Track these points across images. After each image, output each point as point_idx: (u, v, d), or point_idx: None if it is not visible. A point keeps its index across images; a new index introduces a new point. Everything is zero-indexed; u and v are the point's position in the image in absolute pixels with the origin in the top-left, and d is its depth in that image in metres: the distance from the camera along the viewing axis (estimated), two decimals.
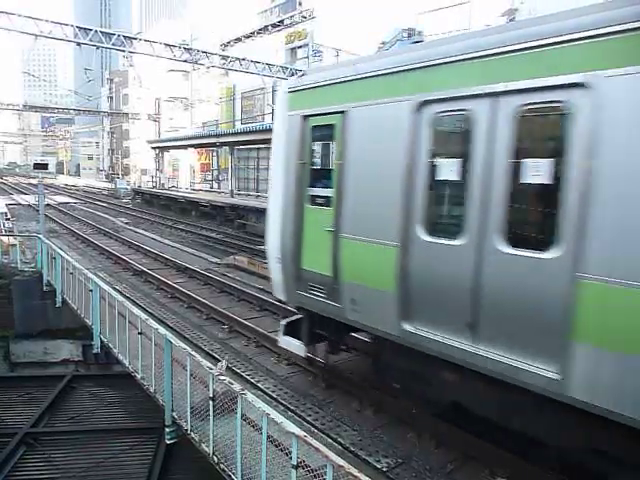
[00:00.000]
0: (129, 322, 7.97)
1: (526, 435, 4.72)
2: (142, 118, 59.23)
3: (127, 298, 9.79)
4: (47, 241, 14.05)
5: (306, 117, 6.22)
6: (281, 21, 38.84)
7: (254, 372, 7.69)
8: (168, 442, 6.58)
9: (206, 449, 5.55)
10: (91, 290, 9.60)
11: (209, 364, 5.61)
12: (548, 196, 4.09)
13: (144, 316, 7.38)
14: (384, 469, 5.19)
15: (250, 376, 7.51)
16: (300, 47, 45.90)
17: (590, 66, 3.67)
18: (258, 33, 37.14)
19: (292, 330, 6.85)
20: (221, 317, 10.22)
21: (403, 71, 5.08)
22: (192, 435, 5.89)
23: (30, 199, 37.59)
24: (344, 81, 5.76)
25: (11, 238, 16.05)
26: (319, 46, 42.07)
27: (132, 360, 7.87)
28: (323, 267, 5.99)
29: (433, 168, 4.85)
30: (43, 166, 20.12)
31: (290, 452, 4.12)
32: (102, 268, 15.07)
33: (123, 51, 27.86)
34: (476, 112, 4.45)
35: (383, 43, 39.45)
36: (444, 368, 5.05)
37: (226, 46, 38.37)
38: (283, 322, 7.12)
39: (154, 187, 48.33)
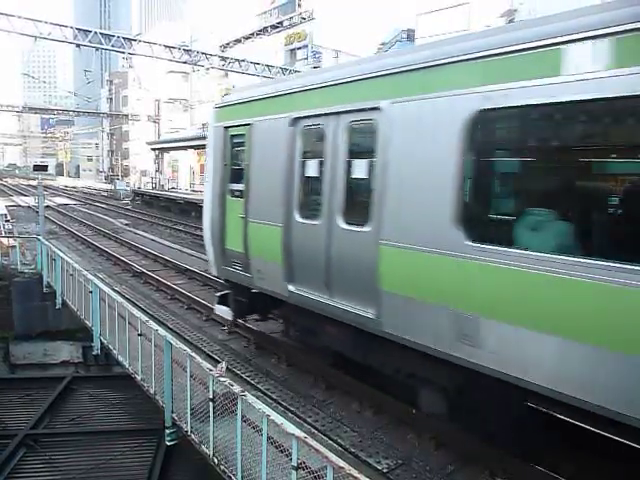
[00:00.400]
0: (129, 323, 7.97)
1: (374, 369, 6.21)
2: (142, 119, 59.22)
3: (127, 299, 9.80)
4: (47, 242, 14.06)
5: (227, 128, 7.84)
6: (280, 22, 38.89)
7: (254, 373, 7.68)
8: (168, 443, 6.59)
9: (206, 450, 5.54)
10: (91, 291, 9.60)
11: (209, 365, 5.62)
12: (365, 187, 5.62)
13: (144, 317, 7.39)
14: (384, 470, 5.19)
15: (250, 377, 7.51)
16: (299, 48, 45.97)
17: (382, 96, 5.30)
18: (257, 34, 37.18)
19: (224, 300, 8.54)
20: (221, 318, 10.20)
21: (284, 95, 6.84)
22: (192, 436, 5.88)
23: (30, 201, 37.59)
24: (250, 100, 7.54)
25: (11, 239, 16.04)
26: (318, 47, 42.14)
27: (132, 361, 7.86)
28: (239, 246, 7.52)
29: (303, 167, 6.45)
30: (43, 168, 20.14)
31: (290, 453, 4.12)
32: (102, 269, 15.07)
33: (123, 53, 27.92)
34: (326, 126, 6.07)
35: (383, 44, 39.52)
36: (323, 321, 6.45)
37: (225, 47, 38.41)
38: (217, 294, 8.95)
39: (154, 188, 48.35)
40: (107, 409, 10.63)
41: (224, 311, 8.53)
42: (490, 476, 5.08)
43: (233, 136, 7.78)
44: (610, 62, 3.69)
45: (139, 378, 7.54)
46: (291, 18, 39.73)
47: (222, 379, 5.24)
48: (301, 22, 39.71)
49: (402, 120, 5.13)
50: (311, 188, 6.45)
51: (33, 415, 10.29)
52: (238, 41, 37.91)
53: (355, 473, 3.63)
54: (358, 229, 5.63)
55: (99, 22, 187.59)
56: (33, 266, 14.50)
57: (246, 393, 4.90)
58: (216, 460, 5.35)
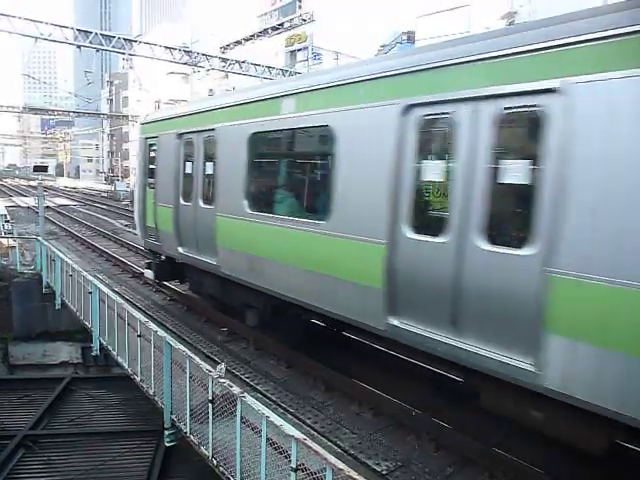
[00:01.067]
0: (128, 324, 7.96)
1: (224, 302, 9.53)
2: None
3: (126, 300, 9.79)
4: (46, 243, 14.06)
5: (146, 138, 11.14)
6: (281, 24, 38.88)
7: (253, 375, 7.68)
8: (167, 445, 6.58)
9: (205, 452, 5.54)
10: (90, 292, 9.59)
11: (208, 367, 5.61)
12: (211, 180, 8.45)
13: (143, 319, 7.38)
14: (383, 472, 5.19)
15: (249, 379, 7.51)
16: (300, 50, 46.06)
17: (217, 122, 8.33)
18: (258, 36, 37.15)
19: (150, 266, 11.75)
20: (221, 320, 10.20)
21: (174, 117, 10.22)
22: (191, 438, 5.88)
23: (30, 201, 37.59)
24: (158, 120, 10.99)
25: (11, 240, 16.04)
26: (319, 49, 42.16)
27: (131, 362, 7.85)
28: (153, 223, 10.61)
29: (184, 167, 9.38)
30: (43, 168, 20.21)
31: (289, 455, 4.12)
32: (101, 270, 15.06)
33: (123, 54, 27.92)
34: (194, 139, 9.06)
35: (383, 46, 39.57)
36: (205, 275, 9.21)
37: (226, 49, 38.38)
38: (146, 262, 12.32)
39: None
40: (106, 410, 10.63)
41: (150, 274, 11.59)
42: (490, 478, 5.08)
43: (150, 145, 10.97)
44: (298, 107, 6.55)
45: (138, 379, 7.53)
46: (291, 20, 39.76)
47: (221, 380, 5.24)
48: (301, 24, 39.74)
49: (224, 137, 8.11)
50: (188, 181, 9.29)
51: (32, 416, 10.28)
52: (238, 42, 37.87)
53: (354, 475, 3.62)
54: (207, 207, 8.52)
55: (99, 23, 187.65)
56: (33, 267, 14.50)
57: (245, 394, 4.89)
58: (215, 461, 5.34)
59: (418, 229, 5.00)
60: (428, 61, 4.92)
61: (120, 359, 8.37)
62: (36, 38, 24.49)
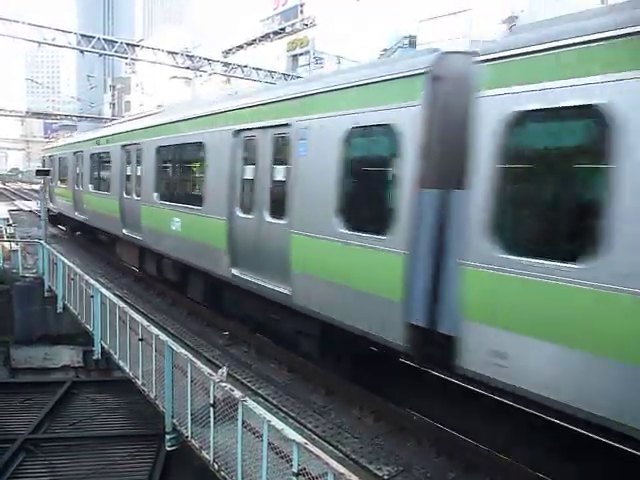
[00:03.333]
0: (130, 328, 7.96)
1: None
2: None
3: (128, 304, 9.79)
4: (48, 247, 14.08)
5: (50, 156, 23.36)
6: (283, 29, 39.05)
7: (254, 379, 7.67)
8: (168, 449, 6.55)
9: (206, 456, 5.53)
10: (92, 296, 9.59)
11: (210, 371, 5.60)
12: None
13: (145, 322, 7.38)
14: (385, 477, 5.17)
15: (251, 383, 7.50)
16: (301, 54, 46.16)
17: (83, 148, 17.49)
18: (260, 40, 37.33)
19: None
20: (221, 324, 10.19)
21: (57, 147, 23.52)
22: (192, 442, 5.87)
23: (32, 205, 37.63)
24: (49, 148, 25.28)
25: (13, 244, 16.06)
26: (320, 53, 42.27)
27: (133, 366, 7.84)
28: (53, 195, 22.26)
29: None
30: (45, 172, 20.36)
31: (291, 459, 4.10)
32: (103, 274, 15.06)
33: (126, 58, 28.05)
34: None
35: (384, 50, 39.66)
36: (67, 217, 20.02)
37: (228, 53, 38.55)
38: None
39: None
40: (107, 414, 10.62)
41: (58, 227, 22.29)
42: None
43: (50, 157, 22.80)
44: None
45: (140, 383, 7.52)
46: (293, 24, 39.87)
47: (223, 384, 5.23)
48: (303, 28, 39.85)
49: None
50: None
51: (33, 419, 10.28)
52: (240, 47, 38.06)
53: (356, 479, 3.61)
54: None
55: (102, 27, 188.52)
56: (34, 270, 14.51)
57: (247, 398, 4.88)
58: (216, 466, 5.33)
59: None
60: None
61: (121, 363, 8.36)
62: (39, 43, 24.66)
